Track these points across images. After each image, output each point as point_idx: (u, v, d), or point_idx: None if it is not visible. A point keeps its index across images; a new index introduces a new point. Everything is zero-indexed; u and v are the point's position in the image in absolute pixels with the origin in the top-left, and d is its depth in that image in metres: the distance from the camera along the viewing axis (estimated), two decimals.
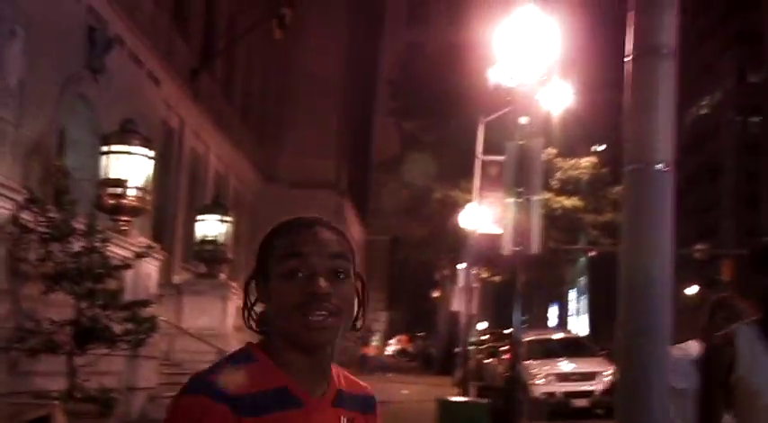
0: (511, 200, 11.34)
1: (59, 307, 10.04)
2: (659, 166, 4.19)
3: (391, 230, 51.02)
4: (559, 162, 32.46)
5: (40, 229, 9.94)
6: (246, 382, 1.63)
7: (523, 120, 13.49)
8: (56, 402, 9.22)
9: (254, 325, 1.75)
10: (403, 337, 47.59)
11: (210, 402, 1.59)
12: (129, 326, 10.53)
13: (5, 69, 12.63)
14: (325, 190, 37.49)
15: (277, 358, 1.69)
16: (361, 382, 1.87)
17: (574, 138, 32.53)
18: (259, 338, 1.76)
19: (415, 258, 47.15)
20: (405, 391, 24.63)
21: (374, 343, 46.05)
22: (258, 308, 1.75)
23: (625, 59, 4.46)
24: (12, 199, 9.67)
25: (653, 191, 4.23)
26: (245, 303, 1.75)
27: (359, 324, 1.79)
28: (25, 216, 9.82)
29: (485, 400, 3.73)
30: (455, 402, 3.54)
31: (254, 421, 1.60)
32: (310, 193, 36.14)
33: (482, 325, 40.22)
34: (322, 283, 1.65)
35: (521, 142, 11.78)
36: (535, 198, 11.30)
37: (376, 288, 56.27)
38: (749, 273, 2.91)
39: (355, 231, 48.39)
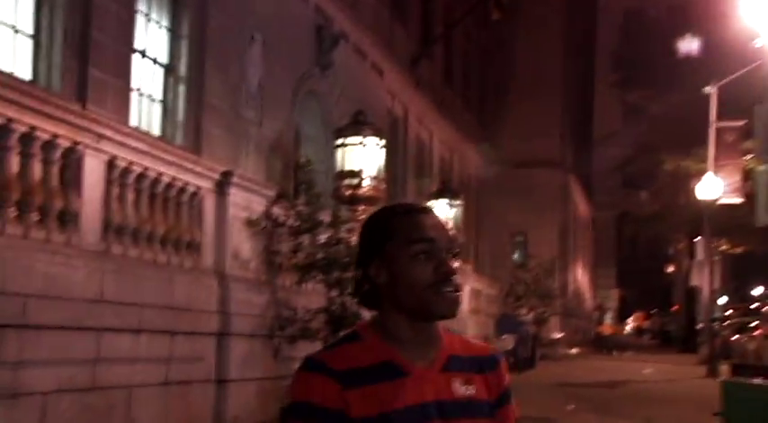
0: (762, 167, 10.73)
1: (311, 296, 10.55)
2: None
3: (618, 206, 49.65)
4: None
5: (289, 222, 10.48)
6: (352, 358, 1.82)
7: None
8: None
9: (364, 300, 1.92)
10: (639, 315, 46.17)
11: (321, 377, 1.78)
12: None
13: (248, 74, 13.40)
14: (549, 168, 37.06)
15: (385, 334, 1.86)
16: (481, 344, 2.02)
17: None
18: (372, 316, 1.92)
19: (646, 233, 45.65)
20: (646, 371, 23.95)
21: (608, 321, 45.04)
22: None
23: None
24: (264, 195, 10.24)
25: None
26: (358, 282, 1.91)
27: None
28: (276, 211, 10.36)
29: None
30: (745, 385, 3.36)
31: (360, 392, 1.78)
32: (534, 173, 35.88)
33: (722, 300, 38.36)
34: (452, 263, 1.84)
35: None
36: None
37: (604, 265, 54.99)
38: None
39: (582, 208, 47.49)
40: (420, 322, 1.85)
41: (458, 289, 1.83)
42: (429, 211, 1.93)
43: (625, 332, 42.11)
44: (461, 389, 1.87)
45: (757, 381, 4.29)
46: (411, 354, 1.85)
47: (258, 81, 13.65)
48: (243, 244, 9.74)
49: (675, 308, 44.60)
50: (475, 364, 1.93)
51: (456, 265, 1.85)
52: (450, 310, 1.82)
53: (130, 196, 7.93)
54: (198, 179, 9.07)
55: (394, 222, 1.88)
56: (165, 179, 8.47)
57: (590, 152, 50.97)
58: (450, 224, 20.70)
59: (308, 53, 16.32)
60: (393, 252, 1.85)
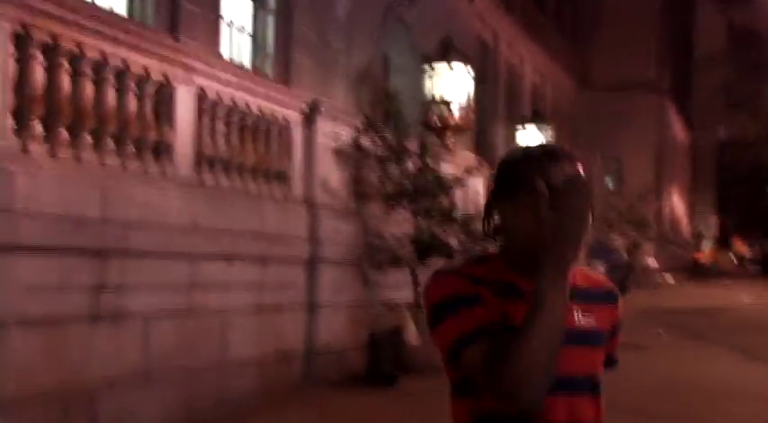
0: None
1: (400, 224, 10.68)
2: None
3: (719, 129, 48.25)
4: None
5: (378, 151, 10.61)
6: (481, 273, 1.94)
7: None
8: (405, 312, 9.97)
9: (492, 232, 2.02)
10: (740, 242, 45.10)
11: (454, 276, 1.94)
12: (465, 239, 11.01)
13: (336, 3, 13.44)
14: (644, 92, 36.12)
15: (509, 261, 1.97)
16: (601, 278, 2.11)
17: None
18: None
19: (748, 158, 44.38)
20: (746, 300, 23.59)
21: (706, 248, 44.18)
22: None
23: None
24: (352, 124, 10.37)
25: None
26: (486, 215, 2.00)
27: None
28: (364, 140, 10.49)
29: None
30: None
31: (491, 300, 1.89)
32: (628, 96, 35.05)
33: None
34: (569, 221, 1.82)
35: None
36: None
37: (703, 191, 53.74)
38: None
39: (679, 133, 46.32)
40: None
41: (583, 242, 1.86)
42: (561, 158, 1.95)
43: (725, 259, 41.23)
44: (581, 318, 1.95)
45: None
46: (532, 281, 1.88)
47: (347, 10, 13.69)
48: (331, 173, 9.91)
49: None
50: (594, 295, 2.02)
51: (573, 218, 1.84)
52: (575, 260, 1.85)
53: (221, 127, 8.15)
54: (287, 109, 9.24)
55: (521, 166, 1.95)
56: (255, 110, 8.67)
57: (690, 74, 49.41)
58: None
59: None
60: (517, 191, 1.92)
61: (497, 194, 1.99)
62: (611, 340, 2.06)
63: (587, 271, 2.07)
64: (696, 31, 52.40)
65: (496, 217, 2.01)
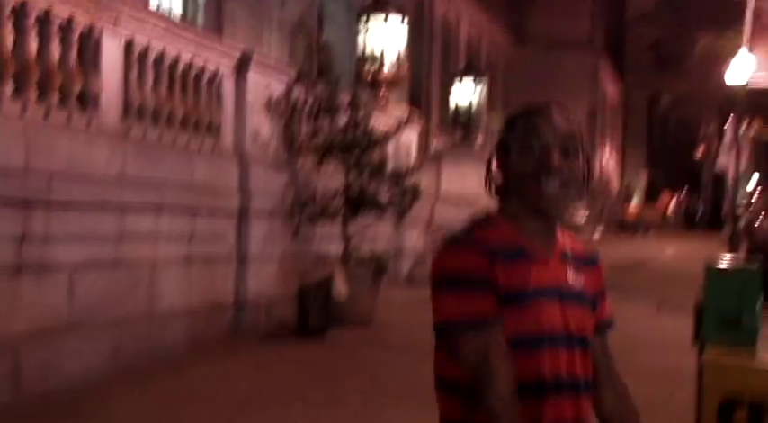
0: None
1: (331, 177, 10.69)
2: None
3: (650, 87, 48.89)
4: None
5: (309, 104, 10.54)
6: (492, 239, 1.95)
7: None
8: (335, 265, 10.01)
9: (494, 191, 2.05)
10: (667, 196, 46.02)
11: (469, 249, 1.93)
12: (396, 193, 11.05)
13: None
14: (579, 49, 36.39)
15: (513, 222, 2.00)
16: (585, 244, 2.15)
17: None
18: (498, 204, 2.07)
19: (677, 115, 45.18)
20: (669, 252, 24.17)
21: (635, 202, 44.99)
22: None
23: None
24: (284, 77, 10.28)
25: None
26: (487, 172, 2.04)
27: (585, 196, 2.08)
28: (296, 92, 10.42)
29: (755, 266, 3.64)
30: (724, 269, 3.52)
31: (502, 268, 1.91)
32: (563, 54, 35.28)
33: (751, 183, 38.19)
34: (555, 157, 1.93)
35: None
36: None
37: (634, 146, 54.59)
38: None
39: (612, 90, 46.85)
40: (538, 217, 1.98)
41: (560, 186, 1.93)
42: (554, 109, 2.02)
43: (653, 213, 42.07)
44: (574, 279, 2.03)
45: (733, 266, 4.41)
46: (536, 242, 1.99)
47: None
48: (262, 125, 9.85)
49: (701, 190, 44.53)
50: (583, 259, 2.10)
51: (563, 159, 1.94)
52: (546, 204, 1.95)
53: (150, 78, 8.02)
54: (218, 60, 9.12)
55: (518, 120, 2.02)
56: (185, 60, 8.54)
57: (622, 32, 49.86)
58: (477, 104, 20.69)
59: None
60: (512, 146, 1.99)
61: (499, 154, 2.03)
62: (601, 303, 2.12)
63: (573, 236, 2.12)
64: None
65: (499, 177, 2.04)
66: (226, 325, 9.11)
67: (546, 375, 1.92)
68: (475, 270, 1.90)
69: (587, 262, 2.10)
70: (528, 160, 1.94)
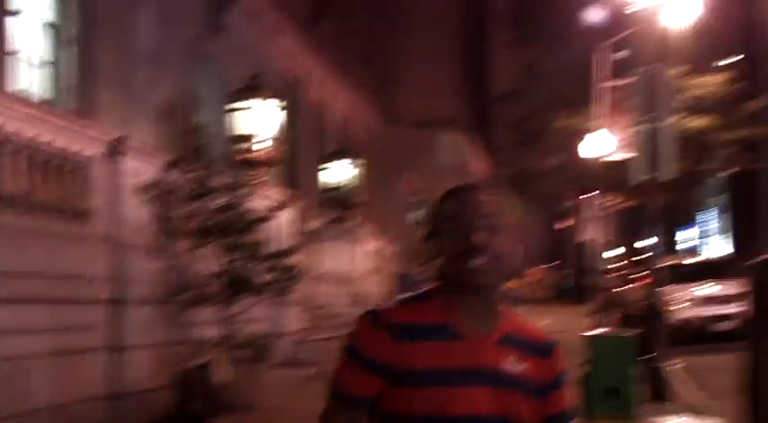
0: (641, 127, 11.10)
1: (208, 261, 10.46)
2: None
3: (515, 163, 50.55)
4: (687, 80, 31.28)
5: (185, 187, 10.33)
6: (413, 314, 1.97)
7: (650, 45, 13.08)
8: (215, 350, 9.75)
9: (431, 273, 2.07)
10: (537, 269, 47.36)
11: (373, 327, 1.95)
12: (274, 275, 10.91)
13: (139, 37, 13.11)
14: (447, 127, 37.43)
15: (448, 299, 1.99)
16: (540, 331, 2.08)
17: (701, 53, 31.21)
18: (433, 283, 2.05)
19: (541, 190, 46.65)
20: (543, 323, 24.66)
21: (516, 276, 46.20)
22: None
23: None
24: (158, 161, 10.11)
25: None
26: (424, 255, 2.21)
27: (519, 271, 2.02)
28: (171, 176, 10.21)
29: (633, 333, 3.76)
30: (604, 337, 3.61)
31: (410, 347, 1.91)
32: (432, 132, 36.17)
33: (612, 253, 39.62)
34: (479, 235, 1.93)
35: (650, 66, 11.45)
36: (667, 123, 11.03)
37: None
38: None
39: (479, 167, 48.19)
40: (469, 293, 1.97)
41: (485, 263, 1.93)
42: (475, 188, 2.05)
43: (522, 286, 43.09)
44: (513, 364, 1.96)
45: (612, 333, 4.51)
46: (469, 321, 1.96)
47: (152, 44, 13.39)
48: (137, 210, 9.59)
49: (562, 262, 45.92)
50: (531, 346, 2.02)
51: (489, 238, 1.94)
52: (476, 280, 1.94)
53: (17, 164, 7.72)
54: (89, 145, 8.89)
55: (444, 202, 2.04)
56: (54, 145, 8.26)
57: (488, 111, 51.67)
58: (349, 183, 20.83)
59: (200, 15, 16.06)
60: (441, 229, 2.00)
61: (430, 237, 2.04)
62: (554, 393, 2.04)
63: (527, 322, 2.09)
64: (493, 71, 54.91)
65: (435, 256, 2.04)
66: (100, 418, 8.69)
67: None
68: (368, 347, 1.94)
69: (537, 350, 2.02)
70: (456, 241, 1.95)
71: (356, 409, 1.95)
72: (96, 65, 12.26)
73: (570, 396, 2.09)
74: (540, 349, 2.03)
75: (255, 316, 11.61)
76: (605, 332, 4.14)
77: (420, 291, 2.05)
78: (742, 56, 39.60)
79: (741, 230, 77.86)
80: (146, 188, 9.76)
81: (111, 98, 12.56)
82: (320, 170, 22.17)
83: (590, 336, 4.17)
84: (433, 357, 1.91)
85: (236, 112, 14.56)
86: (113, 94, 12.62)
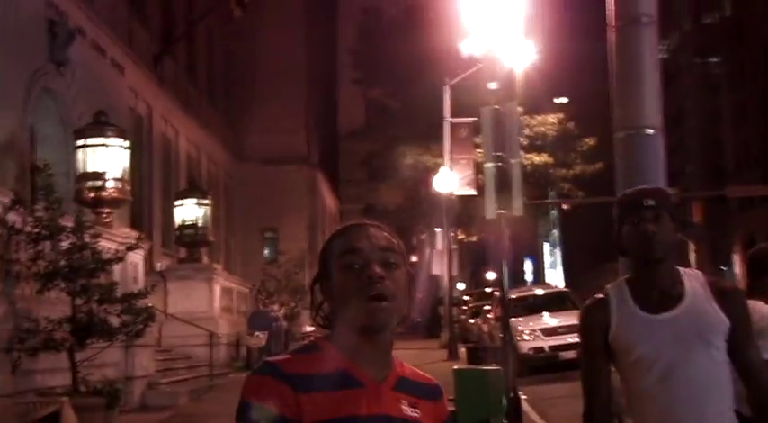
0: (490, 164, 11.46)
1: (55, 305, 10.22)
2: (649, 131, 4.38)
3: (364, 199, 51.16)
4: (527, 119, 32.67)
5: (27, 228, 10.00)
6: (309, 364, 1.83)
7: (493, 85, 13.57)
8: (63, 398, 9.37)
9: (321, 321, 1.94)
10: None
11: (273, 381, 1.80)
12: (126, 317, 10.67)
13: None
14: (296, 165, 37.65)
15: (341, 346, 1.86)
16: (426, 375, 2.01)
17: (538, 93, 32.68)
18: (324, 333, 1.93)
19: (390, 225, 47.32)
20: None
21: None
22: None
23: (608, 29, 4.61)
24: None
25: (644, 154, 4.42)
26: (312, 302, 1.94)
27: (408, 313, 1.96)
28: (12, 217, 9.86)
29: (499, 368, 3.90)
30: (471, 371, 3.73)
31: (314, 397, 1.78)
32: (282, 169, 36.27)
33: (461, 285, 40.54)
34: (376, 269, 1.84)
35: (495, 107, 11.88)
36: (514, 161, 11.45)
37: None
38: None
39: (329, 203, 48.53)
40: (366, 335, 1.85)
41: (385, 298, 1.83)
42: (367, 224, 1.96)
43: None
44: (408, 410, 1.88)
45: (480, 367, 4.64)
46: (365, 367, 1.86)
47: None
48: None
49: (419, 296, 46.56)
50: (421, 390, 1.95)
51: (384, 272, 1.85)
52: (376, 319, 1.83)
53: None
54: None
55: (333, 240, 1.95)
56: None
57: (336, 147, 52.20)
58: (199, 221, 20.58)
59: (41, 49, 15.60)
60: (331, 267, 1.91)
61: (321, 281, 1.94)
62: None
63: (412, 366, 2.00)
64: (339, 108, 55.62)
65: (325, 304, 1.95)
66: None
67: None
68: (267, 401, 1.79)
69: (428, 394, 1.97)
70: (349, 278, 1.85)
71: None
72: None
73: None
74: (430, 392, 1.98)
75: (106, 360, 11.36)
76: (472, 367, 4.25)
77: (307, 343, 1.94)
78: (566, 99, 41.81)
79: (570, 264, 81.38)
80: None
81: None
82: (168, 208, 21.82)
83: (458, 370, 4.26)
84: (337, 407, 1.80)
85: (81, 150, 14.20)
86: None
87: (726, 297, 2.85)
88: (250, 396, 1.81)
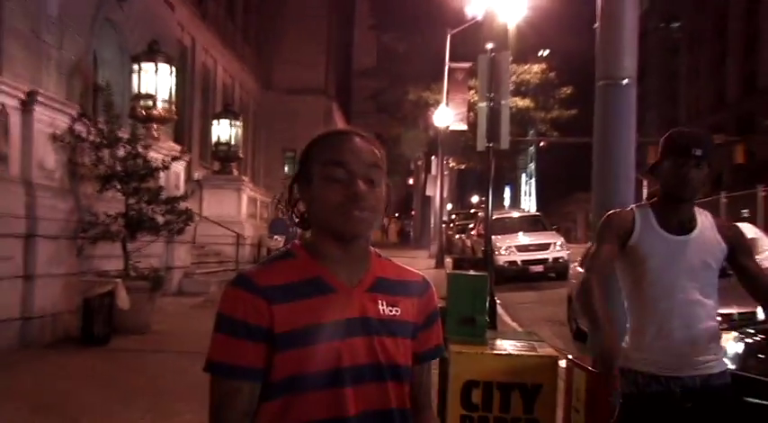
0: (483, 104, 11.48)
1: (111, 203, 10.26)
2: (625, 80, 4.42)
3: (372, 129, 50.96)
4: (514, 67, 32.30)
5: (91, 138, 10.07)
6: (283, 274, 1.63)
7: (490, 34, 13.44)
8: (117, 280, 9.60)
9: (297, 221, 1.73)
10: (388, 218, 48.18)
11: (247, 294, 1.60)
12: (169, 217, 10.80)
13: (47, 1, 12.46)
14: (315, 95, 37.30)
15: (315, 252, 1.67)
16: (413, 271, 1.81)
17: (526, 46, 32.24)
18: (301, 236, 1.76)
19: (393, 152, 47.28)
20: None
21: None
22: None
23: None
24: (67, 113, 9.74)
25: (620, 101, 4.47)
26: (288, 202, 1.72)
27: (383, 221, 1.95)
28: (78, 127, 9.91)
29: (485, 275, 3.99)
30: (462, 275, 3.81)
31: (287, 307, 1.60)
32: (303, 99, 35.97)
33: (449, 206, 40.72)
34: (361, 186, 1.62)
35: (492, 55, 11.82)
36: (504, 102, 11.45)
37: None
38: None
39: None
40: (342, 242, 1.64)
41: (367, 210, 1.61)
42: (351, 134, 1.70)
43: (376, 232, 43.95)
44: (385, 309, 1.67)
45: (471, 272, 4.78)
46: (339, 272, 1.65)
47: (57, 7, 12.73)
48: (48, 156, 9.27)
49: (413, 213, 46.87)
50: (403, 288, 1.73)
51: (367, 187, 1.63)
52: (356, 229, 1.62)
53: None
54: (5, 98, 8.49)
55: (317, 145, 1.69)
56: None
57: (350, 83, 51.71)
58: (231, 140, 20.57)
59: None
60: (312, 173, 1.66)
61: (300, 183, 1.70)
62: (425, 332, 1.76)
63: (399, 264, 1.78)
64: (354, 49, 54.88)
65: (301, 206, 1.71)
66: (13, 338, 8.44)
67: (349, 411, 1.60)
68: (245, 315, 1.58)
69: (411, 291, 1.74)
70: (333, 189, 1.62)
71: (250, 383, 1.59)
72: (4, 23, 11.58)
73: (439, 333, 1.80)
74: (415, 289, 1.75)
75: (151, 252, 11.49)
76: (465, 272, 4.34)
77: (283, 250, 1.71)
78: (550, 51, 41.22)
79: (543, 192, 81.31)
80: (57, 137, 9.45)
81: (20, 55, 11.89)
82: (205, 127, 21.78)
83: (451, 273, 4.39)
84: (311, 314, 1.60)
85: (136, 73, 14.17)
86: (22, 52, 11.95)
87: (726, 230, 2.98)
88: (226, 309, 1.61)
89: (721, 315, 4.54)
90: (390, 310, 1.68)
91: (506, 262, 19.61)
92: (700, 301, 2.89)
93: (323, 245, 1.66)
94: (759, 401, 4.08)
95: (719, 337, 3.00)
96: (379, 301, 1.67)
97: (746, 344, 4.63)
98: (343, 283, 1.65)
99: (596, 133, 4.48)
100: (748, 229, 8.28)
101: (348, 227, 1.61)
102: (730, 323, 5.19)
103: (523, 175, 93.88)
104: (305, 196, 1.68)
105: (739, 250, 2.97)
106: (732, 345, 4.54)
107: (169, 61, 14.50)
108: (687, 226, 2.93)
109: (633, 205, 3.07)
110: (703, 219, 2.97)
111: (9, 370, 7.50)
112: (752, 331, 4.88)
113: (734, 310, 6.94)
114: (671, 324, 2.87)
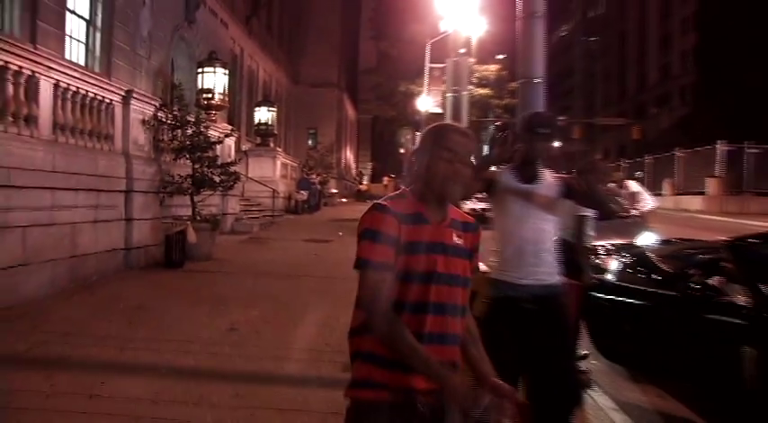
0: (449, 95, 11.77)
1: (182, 168, 10.49)
2: (536, 79, 4.54)
3: (373, 112, 50.89)
4: (477, 67, 32.36)
5: (168, 121, 10.31)
6: (401, 206, 1.80)
7: (457, 44, 13.69)
8: (187, 222, 9.99)
9: (412, 178, 1.90)
10: (387, 178, 48.29)
11: (388, 216, 1.75)
12: (223, 177, 10.95)
13: (140, 26, 12.79)
14: (330, 88, 37.32)
15: (419, 197, 1.84)
16: (468, 216, 1.95)
17: (486, 52, 32.27)
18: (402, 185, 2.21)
19: (388, 129, 47.39)
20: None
21: (365, 182, 46.87)
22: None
23: (516, 19, 4.69)
24: (152, 104, 10.10)
25: (532, 94, 4.59)
26: (410, 164, 2.23)
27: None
28: (160, 114, 10.17)
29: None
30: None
31: (407, 227, 1.76)
32: (321, 91, 36.04)
33: None
34: (464, 170, 1.80)
35: (455, 59, 12.07)
36: (464, 93, 11.73)
37: (364, 148, 56.55)
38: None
39: (350, 113, 48.27)
40: (439, 198, 1.83)
41: (459, 183, 1.80)
42: (465, 130, 1.87)
43: (376, 188, 43.96)
44: (456, 239, 1.83)
45: None
46: (432, 212, 1.82)
47: (148, 30, 13.10)
48: (140, 135, 9.56)
49: (404, 174, 46.98)
50: (465, 226, 1.89)
51: (463, 168, 1.79)
52: (452, 197, 1.82)
53: (69, 105, 7.78)
54: (111, 94, 8.84)
55: (441, 133, 1.84)
56: (90, 94, 8.27)
57: (356, 78, 51.44)
58: (269, 121, 20.88)
59: (179, 12, 15.65)
60: (434, 151, 1.81)
61: (419, 150, 1.87)
62: (474, 256, 1.91)
63: (461, 211, 1.93)
64: (360, 53, 54.41)
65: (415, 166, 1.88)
66: (120, 262, 8.92)
67: (432, 299, 1.76)
68: (385, 228, 1.74)
69: (468, 228, 1.90)
70: (444, 166, 1.79)
71: (391, 275, 1.72)
72: (113, 43, 11.96)
73: (478, 257, 1.94)
74: (470, 227, 1.91)
75: (211, 203, 11.73)
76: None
77: (396, 193, 1.88)
78: (505, 55, 41.01)
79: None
80: (145, 121, 9.74)
81: (122, 64, 12.30)
82: (253, 112, 22.06)
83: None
84: (417, 234, 1.78)
85: (200, 75, 14.53)
86: (124, 62, 12.36)
87: (566, 182, 2.90)
88: (374, 224, 1.74)
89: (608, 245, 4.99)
90: (458, 240, 1.84)
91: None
92: (543, 232, 2.85)
93: (425, 194, 1.83)
94: (630, 300, 4.30)
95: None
96: (453, 234, 1.84)
97: (623, 263, 4.84)
98: (434, 218, 1.82)
99: (519, 116, 4.71)
100: (633, 185, 7.92)
101: (447, 193, 1.82)
102: (613, 250, 5.50)
103: (485, 148, 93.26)
104: (421, 164, 1.84)
105: (573, 191, 2.86)
106: (613, 264, 4.80)
107: (224, 66, 14.84)
108: (534, 179, 2.93)
109: (498, 168, 3.03)
110: (548, 177, 2.94)
111: (120, 282, 8.02)
112: (627, 255, 5.08)
113: (616, 241, 7.40)
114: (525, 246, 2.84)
